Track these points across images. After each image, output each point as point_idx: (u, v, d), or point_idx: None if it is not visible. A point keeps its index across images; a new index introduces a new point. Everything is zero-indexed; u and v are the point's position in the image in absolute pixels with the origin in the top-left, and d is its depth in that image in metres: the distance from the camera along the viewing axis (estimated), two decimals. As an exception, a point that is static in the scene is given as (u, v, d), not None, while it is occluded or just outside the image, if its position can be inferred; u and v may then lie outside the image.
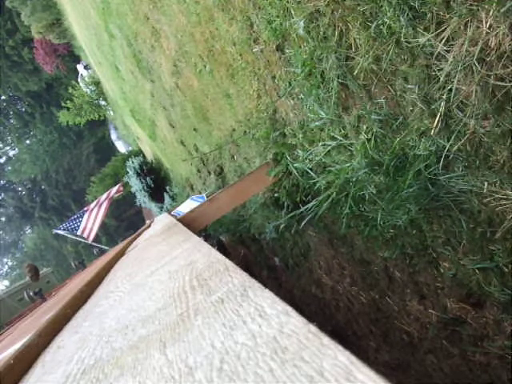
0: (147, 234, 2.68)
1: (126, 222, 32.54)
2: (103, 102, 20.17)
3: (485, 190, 1.28)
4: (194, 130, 4.63)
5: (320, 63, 1.71)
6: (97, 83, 19.43)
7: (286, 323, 0.39)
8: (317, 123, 1.95)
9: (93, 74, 20.42)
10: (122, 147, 25.37)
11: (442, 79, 1.22)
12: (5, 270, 46.24)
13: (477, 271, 1.48)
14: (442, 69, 1.21)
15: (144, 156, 13.60)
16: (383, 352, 2.32)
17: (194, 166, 5.55)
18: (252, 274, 0.56)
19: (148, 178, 10.65)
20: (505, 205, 1.24)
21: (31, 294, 4.87)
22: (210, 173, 4.78)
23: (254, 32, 2.23)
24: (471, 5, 1.06)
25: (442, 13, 1.14)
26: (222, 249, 4.94)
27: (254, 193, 2.72)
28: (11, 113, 37.65)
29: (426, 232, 1.64)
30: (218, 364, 0.39)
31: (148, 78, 5.70)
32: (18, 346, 0.89)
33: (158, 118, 6.75)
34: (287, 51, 1.94)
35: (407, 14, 1.22)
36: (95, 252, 7.69)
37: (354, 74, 1.56)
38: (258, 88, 2.47)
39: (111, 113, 21.05)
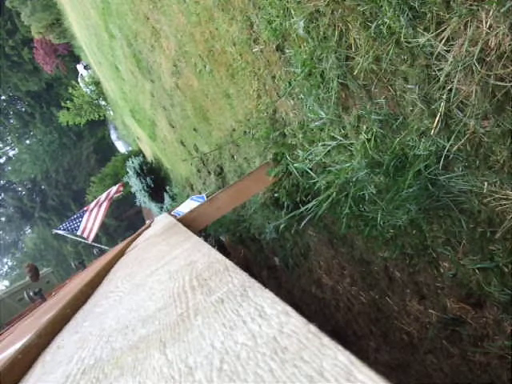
0: (147, 234, 2.68)
1: (125, 222, 32.53)
2: (103, 102, 20.17)
3: (485, 190, 1.28)
4: (194, 130, 4.63)
5: (320, 63, 1.71)
6: (97, 83, 19.44)
7: (286, 323, 0.39)
8: (317, 123, 1.95)
9: (93, 74, 20.41)
10: (121, 147, 25.39)
11: (441, 79, 1.22)
12: (5, 269, 46.24)
13: (477, 271, 1.48)
14: (442, 69, 1.21)
15: (144, 156, 13.60)
16: (383, 352, 2.32)
17: (193, 166, 5.55)
18: (252, 274, 0.56)
19: (148, 178, 10.65)
20: (505, 205, 1.24)
21: (31, 294, 4.87)
22: (210, 173, 4.78)
23: (254, 32, 2.23)
24: (471, 5, 1.06)
25: (442, 13, 1.14)
26: (222, 249, 4.94)
27: (254, 193, 2.72)
28: (11, 113, 37.64)
29: (426, 232, 1.64)
30: (218, 364, 0.39)
31: (148, 78, 5.70)
32: (17, 345, 0.89)
33: (157, 117, 6.75)
34: (287, 51, 1.94)
35: (407, 14, 1.22)
36: (95, 252, 7.68)
37: (354, 73, 1.56)
38: (258, 88, 2.47)
39: (111, 113, 21.05)
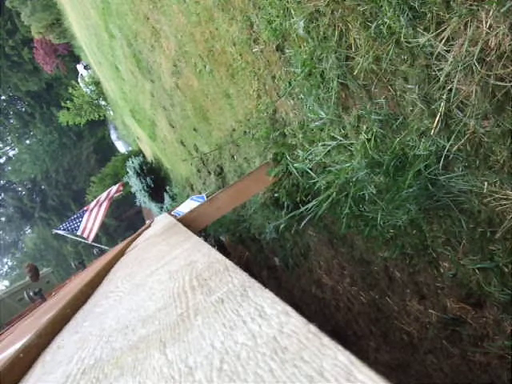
0: (147, 234, 2.68)
1: (125, 222, 32.52)
2: (103, 102, 20.16)
3: (485, 190, 1.28)
4: (194, 129, 4.63)
5: (320, 63, 1.71)
6: (97, 83, 19.43)
7: (285, 323, 0.39)
8: (317, 123, 1.95)
9: (93, 74, 20.41)
10: (121, 147, 25.39)
11: (441, 79, 1.22)
12: (5, 269, 46.21)
13: (477, 271, 1.48)
14: (442, 69, 1.21)
15: (144, 156, 13.60)
16: (383, 352, 2.32)
17: (193, 166, 5.55)
18: (252, 274, 0.56)
19: (148, 178, 10.65)
20: (505, 205, 1.24)
21: (31, 294, 4.87)
22: (210, 173, 4.78)
23: (254, 32, 2.23)
24: (471, 5, 1.06)
25: (441, 13, 1.14)
26: (222, 249, 4.94)
27: (254, 193, 2.72)
28: (11, 113, 37.62)
29: (426, 232, 1.64)
30: (218, 364, 0.39)
31: (148, 78, 5.70)
32: (17, 345, 0.89)
33: (157, 118, 6.75)
34: (287, 51, 1.94)
35: (407, 14, 1.22)
36: (95, 252, 7.68)
37: (354, 73, 1.56)
38: (258, 88, 2.47)
39: (111, 113, 21.04)
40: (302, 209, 2.23)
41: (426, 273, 1.76)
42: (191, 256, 0.94)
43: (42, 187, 39.10)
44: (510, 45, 1.02)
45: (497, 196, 1.25)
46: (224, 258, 0.74)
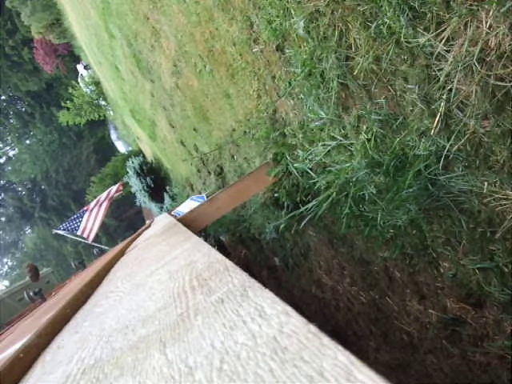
0: (147, 234, 2.68)
1: (125, 222, 32.52)
2: (103, 102, 20.16)
3: (485, 190, 1.28)
4: (194, 129, 4.63)
5: (320, 63, 1.71)
6: (97, 83, 19.43)
7: (285, 323, 0.39)
8: (317, 123, 1.95)
9: (93, 74, 20.41)
10: (121, 147, 25.40)
11: (441, 79, 1.22)
12: (5, 269, 46.20)
13: (477, 271, 1.48)
14: (442, 69, 1.21)
15: (144, 156, 13.60)
16: (383, 352, 2.32)
17: (194, 166, 5.55)
18: (252, 274, 0.56)
19: (148, 178, 10.65)
20: (505, 205, 1.24)
21: (31, 294, 4.87)
22: (210, 173, 4.78)
23: (253, 32, 2.23)
24: (471, 5, 1.06)
25: (442, 13, 1.14)
26: (222, 249, 4.94)
27: (254, 193, 2.72)
28: (11, 113, 37.62)
29: (426, 232, 1.64)
30: (218, 364, 0.39)
31: (148, 77, 5.70)
32: (17, 345, 0.89)
33: (157, 117, 6.75)
34: (287, 51, 1.94)
35: (407, 14, 1.22)
36: (95, 252, 7.69)
37: (354, 73, 1.56)
38: (258, 88, 2.47)
39: (111, 113, 21.04)
40: (302, 209, 2.23)
41: (426, 273, 1.76)
42: (191, 256, 0.94)
43: (42, 187, 39.09)
44: (510, 45, 1.02)
45: (497, 196, 1.25)
46: (224, 258, 0.74)
